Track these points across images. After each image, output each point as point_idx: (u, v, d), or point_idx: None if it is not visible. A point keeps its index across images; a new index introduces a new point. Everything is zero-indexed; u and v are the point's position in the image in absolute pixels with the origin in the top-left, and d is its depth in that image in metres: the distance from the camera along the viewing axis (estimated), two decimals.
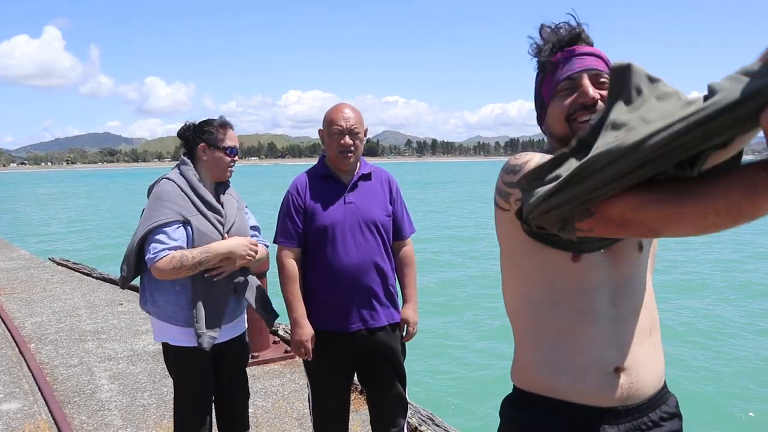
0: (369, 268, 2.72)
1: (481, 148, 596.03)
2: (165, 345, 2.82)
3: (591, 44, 1.47)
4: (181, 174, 2.80)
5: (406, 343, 2.91)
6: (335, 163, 2.75)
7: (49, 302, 7.64)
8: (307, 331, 2.71)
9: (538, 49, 1.49)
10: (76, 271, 10.01)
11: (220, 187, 2.90)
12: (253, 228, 2.98)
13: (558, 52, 1.46)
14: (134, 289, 8.40)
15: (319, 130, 2.82)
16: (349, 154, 2.70)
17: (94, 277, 9.39)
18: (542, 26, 1.48)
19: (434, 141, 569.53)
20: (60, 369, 5.10)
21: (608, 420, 1.36)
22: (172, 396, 4.41)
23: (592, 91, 1.39)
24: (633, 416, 1.38)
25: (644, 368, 1.39)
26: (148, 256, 2.62)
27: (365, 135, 2.80)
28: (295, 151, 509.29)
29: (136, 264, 2.74)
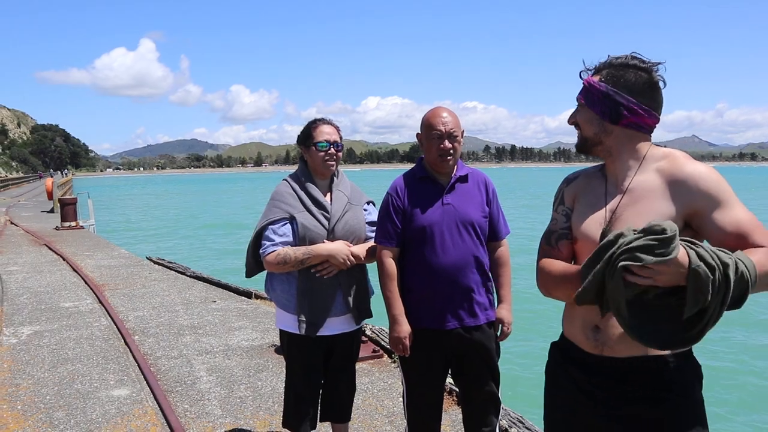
0: (466, 268, 2.76)
1: (561, 154, 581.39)
2: (281, 331, 3.09)
3: (600, 68, 1.96)
4: (295, 174, 3.09)
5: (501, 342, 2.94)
6: (434, 165, 2.81)
7: (149, 298, 8.10)
8: (405, 328, 2.78)
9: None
10: (171, 269, 10.54)
11: (334, 184, 3.08)
12: (373, 224, 3.08)
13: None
14: (224, 287, 8.78)
15: (417, 134, 2.88)
16: (449, 158, 2.76)
17: (188, 276, 9.86)
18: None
19: (513, 147, 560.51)
20: (162, 360, 5.41)
21: (590, 360, 1.87)
22: (267, 390, 4.62)
23: (569, 117, 2.02)
24: (610, 366, 1.83)
25: (620, 331, 1.77)
26: (261, 250, 2.95)
27: (462, 137, 2.85)
28: (373, 156, 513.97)
29: (255, 257, 3.02)
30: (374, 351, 5.34)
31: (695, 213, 1.75)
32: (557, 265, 1.92)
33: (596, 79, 1.88)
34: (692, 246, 1.57)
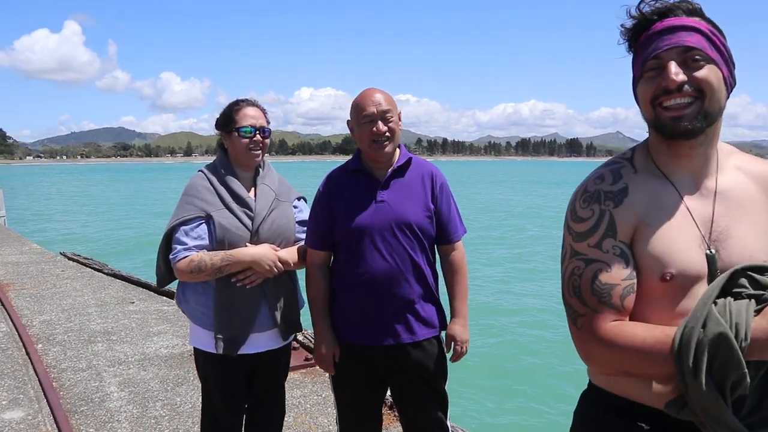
0: (403, 277, 2.38)
1: (492, 147, 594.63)
2: (195, 349, 2.65)
3: (695, 12, 1.31)
4: (213, 165, 2.64)
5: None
6: (369, 155, 2.41)
7: (59, 299, 7.37)
8: (329, 344, 2.42)
9: (625, 30, 1.36)
10: (87, 266, 9.75)
11: (259, 177, 2.65)
12: (304, 223, 2.68)
13: (645, 30, 1.33)
14: (144, 286, 8.13)
15: (348, 121, 2.47)
16: (386, 143, 2.35)
17: (105, 273, 9.12)
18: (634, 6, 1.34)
19: (445, 140, 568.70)
20: (67, 373, 4.81)
21: (664, 419, 1.30)
22: (186, 407, 4.13)
23: (674, 74, 1.25)
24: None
25: None
26: (171, 255, 2.49)
27: (400, 119, 2.44)
28: (305, 148, 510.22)
29: (166, 263, 2.59)
30: (307, 359, 4.91)
31: None
32: (660, 331, 1.24)
33: (706, 24, 1.30)
34: None
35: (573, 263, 1.36)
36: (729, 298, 1.18)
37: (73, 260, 10.39)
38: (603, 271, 1.31)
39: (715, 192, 1.33)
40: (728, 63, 1.30)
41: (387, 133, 2.35)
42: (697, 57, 1.25)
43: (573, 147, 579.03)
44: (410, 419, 2.54)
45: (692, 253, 1.29)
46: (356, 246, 2.37)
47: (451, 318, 2.55)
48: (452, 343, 2.52)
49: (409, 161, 2.47)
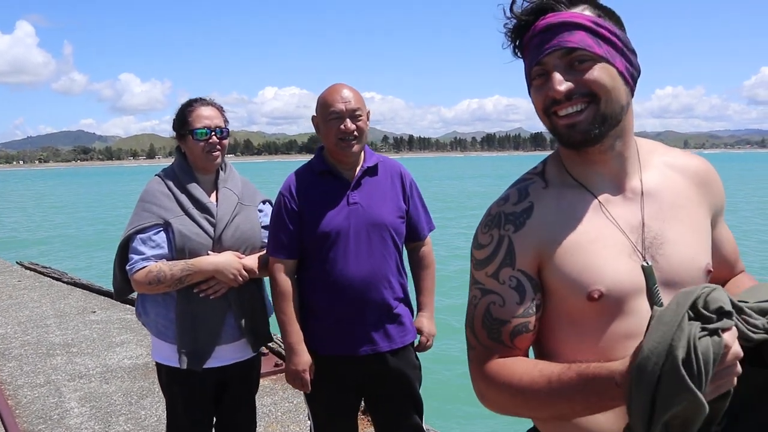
0: (379, 282, 2.29)
1: (457, 143, 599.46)
2: (158, 364, 2.50)
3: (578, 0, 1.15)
4: (171, 168, 2.49)
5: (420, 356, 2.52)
6: (336, 155, 2.30)
7: (15, 311, 7.08)
8: (304, 359, 2.28)
9: (507, 31, 1.19)
10: (45, 275, 9.42)
11: (220, 180, 2.51)
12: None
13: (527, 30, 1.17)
14: (106, 294, 7.88)
15: (313, 117, 2.36)
16: (353, 142, 2.25)
17: (64, 282, 8.82)
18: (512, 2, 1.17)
19: (411, 137, 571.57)
20: (24, 389, 4.58)
21: None
22: (151, 421, 3.96)
23: (558, 83, 1.10)
24: None
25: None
26: (127, 266, 2.34)
27: (368, 118, 2.34)
28: (271, 148, 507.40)
29: (123, 274, 2.42)
30: (276, 365, 4.78)
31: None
32: (537, 371, 1.10)
33: (589, 14, 1.13)
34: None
35: (472, 291, 1.24)
36: (696, 323, 0.89)
37: (31, 269, 10.03)
38: (496, 305, 1.18)
39: (642, 193, 1.19)
40: (624, 53, 1.15)
41: (355, 132, 2.24)
42: (582, 58, 1.11)
43: (537, 141, 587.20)
44: (386, 427, 2.47)
45: (622, 266, 1.14)
46: (329, 252, 2.26)
47: (419, 311, 2.53)
48: (419, 335, 2.49)
49: (376, 162, 2.39)
